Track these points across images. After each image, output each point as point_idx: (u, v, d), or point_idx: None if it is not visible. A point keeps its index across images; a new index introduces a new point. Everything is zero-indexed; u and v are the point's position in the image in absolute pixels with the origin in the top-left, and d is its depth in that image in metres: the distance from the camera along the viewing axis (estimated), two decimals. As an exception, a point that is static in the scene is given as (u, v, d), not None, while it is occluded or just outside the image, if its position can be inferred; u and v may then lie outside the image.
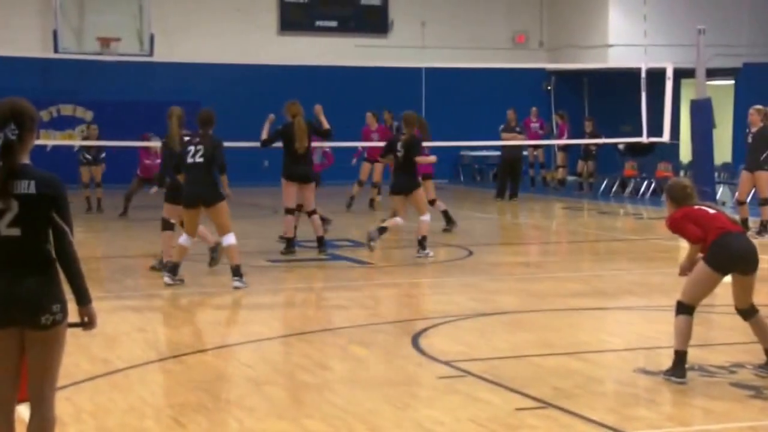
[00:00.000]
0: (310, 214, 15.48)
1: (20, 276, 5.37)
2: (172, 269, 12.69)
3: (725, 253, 8.32)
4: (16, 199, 5.35)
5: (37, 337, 5.42)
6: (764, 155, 16.98)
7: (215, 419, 7.40)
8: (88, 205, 21.74)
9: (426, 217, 15.06)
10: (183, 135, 13.35)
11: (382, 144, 19.67)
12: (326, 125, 15.52)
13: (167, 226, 13.61)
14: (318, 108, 15.61)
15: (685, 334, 8.42)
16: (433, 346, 9.62)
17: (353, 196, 22.74)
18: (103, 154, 22.11)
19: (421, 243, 15.07)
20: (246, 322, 11.14)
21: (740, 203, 17.52)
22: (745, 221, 17.12)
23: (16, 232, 5.36)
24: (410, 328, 10.43)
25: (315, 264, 15.07)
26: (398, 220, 15.10)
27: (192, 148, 12.62)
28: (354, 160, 23.32)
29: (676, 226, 8.62)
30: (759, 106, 17.40)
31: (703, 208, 8.66)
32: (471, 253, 15.82)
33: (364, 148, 22.93)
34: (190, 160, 12.58)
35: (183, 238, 12.72)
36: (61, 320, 5.45)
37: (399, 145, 15.16)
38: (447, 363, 8.95)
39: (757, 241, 9.59)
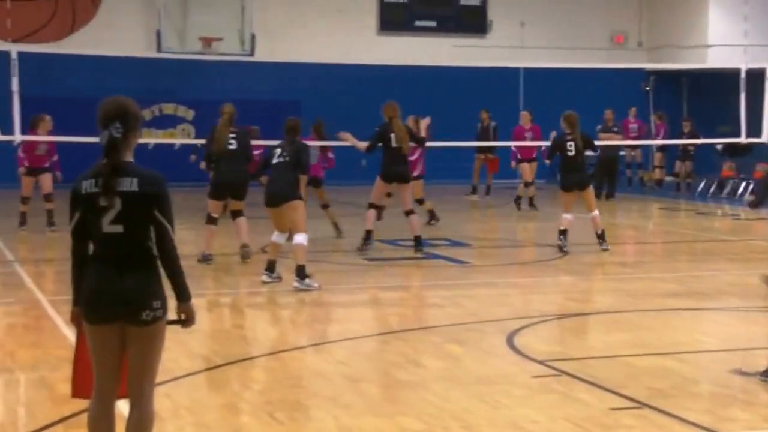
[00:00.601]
0: (408, 213, 15.54)
1: (122, 272, 5.45)
2: (269, 267, 12.86)
3: None
4: (119, 196, 5.42)
5: (137, 333, 5.50)
6: None
7: (311, 416, 7.48)
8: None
9: None
10: (231, 132, 14.53)
11: (535, 144, 21.47)
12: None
13: (210, 220, 14.47)
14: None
15: None
16: (528, 346, 9.62)
17: (520, 196, 22.86)
18: None
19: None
20: (342, 319, 11.23)
21: None
22: None
23: (119, 228, 5.44)
24: (506, 327, 10.42)
25: (412, 263, 15.14)
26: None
27: (278, 151, 13.04)
28: (513, 163, 23.48)
29: None
30: None
31: None
32: (567, 253, 15.77)
33: (518, 148, 22.97)
34: (275, 161, 12.99)
35: (275, 236, 12.91)
36: (162, 316, 5.52)
37: (570, 145, 15.72)
38: (542, 362, 8.95)
39: None
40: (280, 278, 12.81)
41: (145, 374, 5.58)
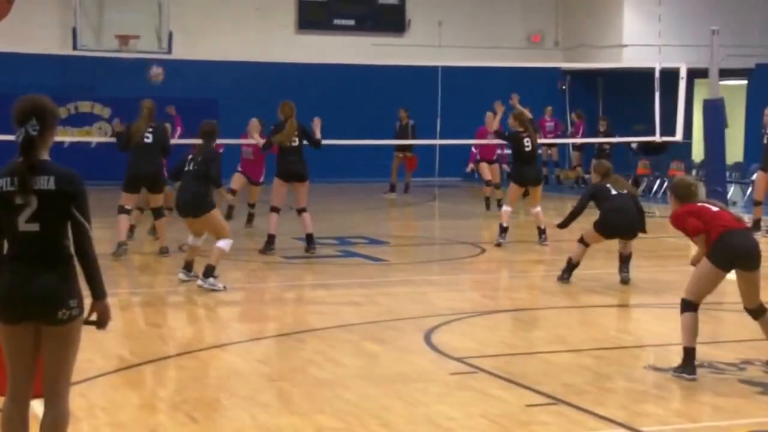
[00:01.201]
0: (300, 211, 15.35)
1: (38, 271, 5.41)
2: (187, 266, 12.80)
3: (727, 250, 8.39)
4: (35, 194, 5.38)
5: (53, 333, 5.46)
6: None
7: (228, 415, 7.45)
8: None
9: None
10: (149, 126, 14.75)
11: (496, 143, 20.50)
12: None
13: (122, 210, 14.73)
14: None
15: (692, 331, 8.50)
16: (445, 343, 9.69)
17: (488, 197, 22.24)
18: None
19: None
20: (259, 318, 11.20)
21: (757, 203, 17.54)
22: (758, 222, 17.18)
23: (34, 227, 5.40)
24: (423, 324, 10.48)
25: (329, 261, 15.14)
26: None
27: (190, 157, 12.82)
28: (471, 165, 23.46)
29: (678, 222, 8.71)
30: None
31: (706, 205, 8.73)
32: (484, 250, 15.87)
33: (478, 148, 22.63)
34: (186, 167, 12.69)
35: (191, 239, 12.83)
36: (78, 315, 5.48)
37: (527, 141, 16.36)
38: (459, 359, 9.02)
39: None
40: (197, 277, 12.74)
41: (60, 374, 5.53)
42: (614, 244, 16.90)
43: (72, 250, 5.50)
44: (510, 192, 16.63)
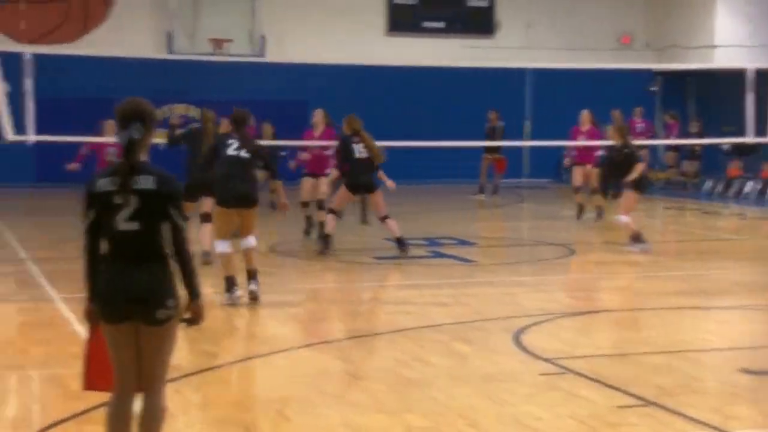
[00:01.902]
0: (384, 219, 15.48)
1: (137, 271, 5.51)
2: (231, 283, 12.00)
3: None
4: (136, 194, 5.48)
5: (151, 332, 5.56)
6: None
7: (319, 413, 7.51)
8: None
9: None
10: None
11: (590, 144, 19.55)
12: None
13: (205, 218, 14.00)
14: None
15: None
16: (534, 344, 9.68)
17: (581, 204, 20.20)
18: None
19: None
20: (349, 317, 11.29)
21: None
22: None
23: (134, 226, 5.50)
24: (512, 325, 10.48)
25: (419, 261, 15.19)
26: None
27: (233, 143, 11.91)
28: (567, 161, 21.20)
29: None
30: None
31: None
32: (573, 252, 15.82)
33: (570, 149, 20.86)
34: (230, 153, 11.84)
35: (222, 244, 11.87)
36: (175, 315, 5.57)
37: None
38: (547, 360, 9.01)
39: None
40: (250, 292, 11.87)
41: (157, 371, 5.63)
42: (705, 245, 16.77)
43: (168, 250, 5.58)
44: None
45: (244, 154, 11.72)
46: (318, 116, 17.31)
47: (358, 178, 15.28)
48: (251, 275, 11.62)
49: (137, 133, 5.55)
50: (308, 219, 17.44)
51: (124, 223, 5.50)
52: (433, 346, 9.72)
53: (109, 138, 16.44)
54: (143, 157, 5.60)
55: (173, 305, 5.54)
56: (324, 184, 17.05)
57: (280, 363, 9.22)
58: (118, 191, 5.49)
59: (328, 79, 26.89)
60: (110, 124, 16.50)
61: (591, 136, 19.82)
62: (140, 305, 5.50)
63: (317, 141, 17.14)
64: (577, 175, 20.24)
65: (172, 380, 7.18)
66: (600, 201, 19.66)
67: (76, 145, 18.11)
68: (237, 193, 11.56)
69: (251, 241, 11.74)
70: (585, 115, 20.07)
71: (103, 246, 5.60)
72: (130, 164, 5.52)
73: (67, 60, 23.33)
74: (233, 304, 11.46)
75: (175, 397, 7.56)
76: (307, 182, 17.39)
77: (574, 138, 20.22)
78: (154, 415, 5.66)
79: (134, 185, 5.49)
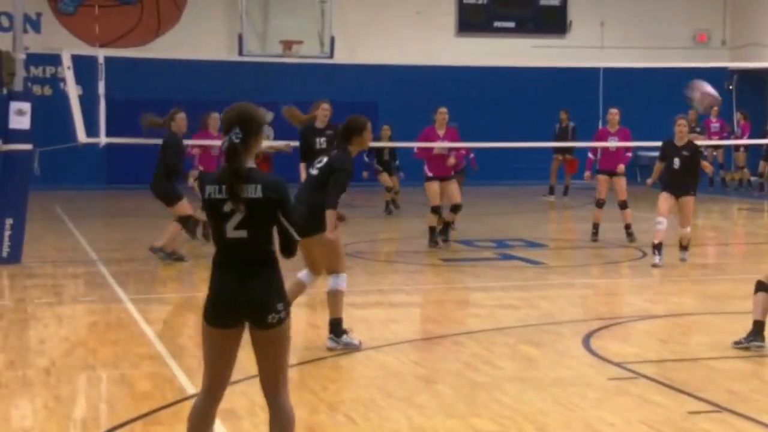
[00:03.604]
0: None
1: (246, 277, 5.52)
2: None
3: None
4: (243, 202, 5.47)
5: (264, 337, 5.56)
6: None
7: (385, 416, 7.49)
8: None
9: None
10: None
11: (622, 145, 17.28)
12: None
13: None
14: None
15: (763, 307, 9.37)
16: (605, 348, 9.58)
17: (596, 224, 17.53)
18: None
19: None
20: (417, 320, 11.25)
21: None
22: None
23: (243, 234, 5.50)
24: (582, 328, 10.39)
25: (487, 264, 15.14)
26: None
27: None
28: (587, 174, 18.31)
29: None
30: None
31: None
32: (645, 254, 15.63)
33: (595, 154, 17.83)
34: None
35: (305, 275, 10.12)
36: (286, 317, 5.57)
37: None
38: (618, 365, 8.90)
39: None
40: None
41: (277, 374, 5.64)
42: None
43: (277, 254, 5.60)
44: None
45: None
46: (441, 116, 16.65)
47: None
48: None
49: (236, 138, 5.52)
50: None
51: (232, 231, 5.52)
52: (501, 349, 9.65)
53: (213, 133, 16.33)
54: (249, 162, 5.57)
55: (283, 308, 5.56)
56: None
57: (347, 365, 9.20)
58: (225, 199, 5.50)
59: (397, 80, 26.92)
60: (214, 117, 16.31)
61: (623, 138, 17.35)
62: (251, 311, 5.52)
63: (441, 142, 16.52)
64: (602, 187, 17.34)
65: (236, 381, 7.17)
66: (627, 216, 17.23)
67: (147, 147, 18.17)
68: None
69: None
70: (614, 115, 17.53)
71: (214, 251, 5.65)
72: (233, 170, 5.49)
73: (139, 62, 23.58)
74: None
75: (240, 399, 7.59)
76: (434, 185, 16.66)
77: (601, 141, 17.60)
78: (284, 420, 5.65)
79: (242, 193, 5.47)
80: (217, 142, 15.87)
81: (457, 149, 17.22)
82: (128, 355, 9.30)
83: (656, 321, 11.16)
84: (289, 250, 5.61)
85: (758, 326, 9.46)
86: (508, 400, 7.82)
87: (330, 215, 9.22)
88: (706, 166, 15.17)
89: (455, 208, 16.47)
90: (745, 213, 23.18)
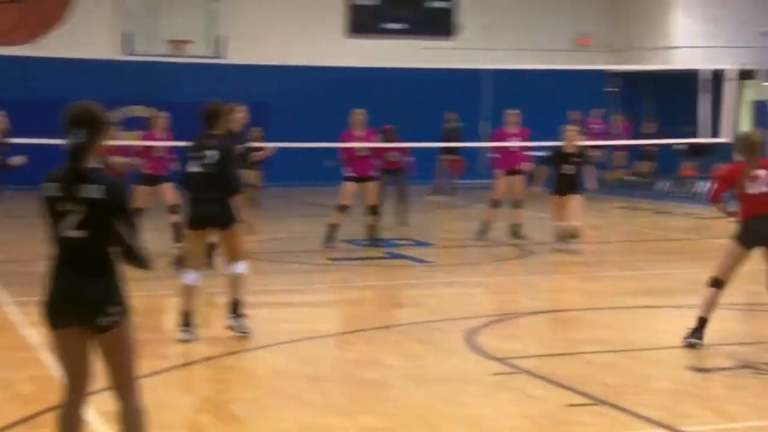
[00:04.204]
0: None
1: (82, 277, 5.46)
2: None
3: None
4: (83, 202, 5.41)
5: (100, 339, 5.51)
6: None
7: (274, 415, 7.53)
8: None
9: None
10: None
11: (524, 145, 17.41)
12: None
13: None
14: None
15: (710, 304, 9.44)
16: (489, 344, 9.75)
17: (490, 222, 17.52)
18: None
19: None
20: (305, 319, 11.27)
21: None
22: None
23: (80, 234, 5.43)
24: (467, 325, 10.54)
25: (375, 263, 15.29)
26: None
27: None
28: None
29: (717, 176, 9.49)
30: None
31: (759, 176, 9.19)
32: (530, 252, 15.93)
33: (495, 154, 17.73)
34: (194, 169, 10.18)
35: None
36: (120, 321, 5.50)
37: None
38: (501, 360, 9.08)
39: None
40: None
41: (120, 375, 5.59)
42: (657, 245, 16.94)
43: (116, 256, 5.52)
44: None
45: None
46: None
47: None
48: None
49: (81, 137, 5.47)
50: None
51: (69, 230, 5.45)
52: (388, 347, 9.78)
53: (160, 134, 15.96)
54: (93, 162, 5.51)
55: (116, 312, 5.49)
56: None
57: (235, 364, 9.24)
58: (63, 198, 5.44)
59: (288, 81, 26.91)
60: (162, 118, 15.99)
61: (524, 138, 17.42)
62: (83, 312, 5.45)
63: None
64: (500, 186, 17.33)
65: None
66: (520, 216, 17.36)
67: (34, 148, 17.87)
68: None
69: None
70: (513, 116, 17.51)
71: (51, 251, 5.57)
72: (73, 170, 5.45)
73: (24, 62, 23.25)
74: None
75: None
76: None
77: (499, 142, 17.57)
78: (131, 420, 5.63)
79: (80, 193, 5.42)
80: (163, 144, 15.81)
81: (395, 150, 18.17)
82: (9, 358, 9.17)
83: (537, 317, 11.40)
84: (126, 252, 5.48)
85: (701, 323, 9.52)
86: (396, 397, 7.95)
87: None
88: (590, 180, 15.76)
89: (373, 209, 16.67)
90: (623, 211, 23.67)
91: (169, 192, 15.16)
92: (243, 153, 13.14)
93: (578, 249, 15.55)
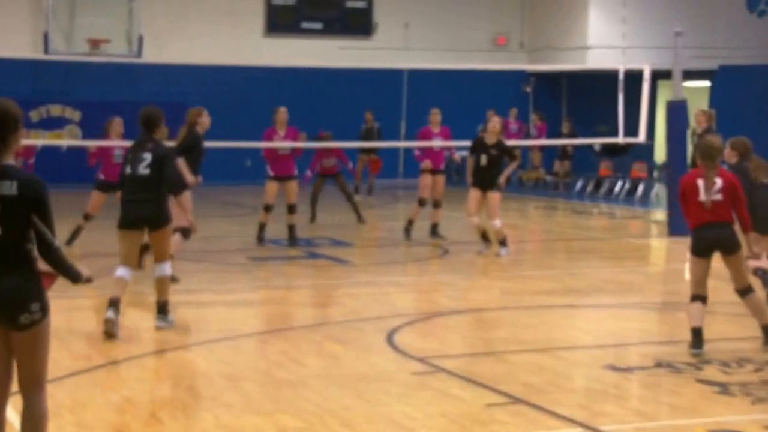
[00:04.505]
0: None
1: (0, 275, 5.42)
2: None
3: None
4: None
5: (19, 337, 5.47)
6: None
7: (193, 415, 7.53)
8: None
9: None
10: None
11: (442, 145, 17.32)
12: None
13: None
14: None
15: (693, 316, 9.30)
16: (407, 343, 9.78)
17: (411, 221, 17.53)
18: None
19: None
20: (223, 318, 11.20)
21: None
22: None
23: None
24: (386, 325, 10.56)
25: (294, 262, 15.26)
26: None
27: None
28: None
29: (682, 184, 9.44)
30: (705, 108, 18.61)
31: (702, 185, 9.22)
32: (447, 251, 15.99)
33: (422, 153, 17.49)
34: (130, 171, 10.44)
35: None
36: (41, 318, 5.48)
37: None
38: (420, 360, 9.11)
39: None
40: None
41: (33, 374, 5.55)
42: (574, 244, 17.09)
43: (35, 253, 5.49)
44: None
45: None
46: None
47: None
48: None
49: None
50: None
51: None
52: (306, 347, 9.78)
53: (115, 139, 15.55)
54: (8, 159, 5.47)
55: (38, 309, 5.46)
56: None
57: (153, 365, 9.18)
58: None
59: (206, 80, 26.75)
60: (116, 122, 15.70)
61: (446, 137, 17.42)
62: (3, 310, 5.41)
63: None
64: (426, 185, 17.22)
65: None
66: (439, 215, 17.43)
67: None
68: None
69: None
70: (436, 114, 17.46)
71: None
72: None
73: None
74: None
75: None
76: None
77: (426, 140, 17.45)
78: (34, 421, 5.58)
79: None
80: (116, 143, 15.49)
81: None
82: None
83: (456, 316, 11.45)
84: (44, 250, 5.47)
85: (696, 332, 9.31)
86: (314, 397, 7.93)
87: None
88: (502, 184, 15.69)
89: (291, 208, 16.61)
90: (540, 211, 23.87)
91: None
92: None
93: (503, 252, 15.42)
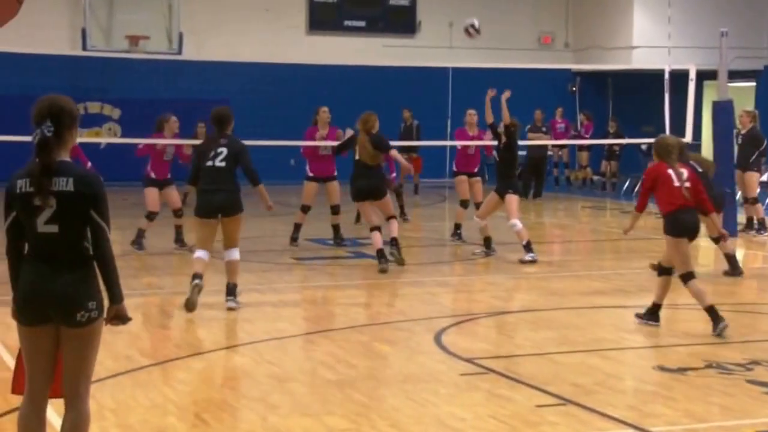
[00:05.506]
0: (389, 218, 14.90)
1: (57, 273, 5.41)
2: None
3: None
4: (54, 196, 5.37)
5: (72, 335, 5.46)
6: (754, 156, 18.01)
7: (238, 416, 7.49)
8: None
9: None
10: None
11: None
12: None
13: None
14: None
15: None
16: (456, 344, 9.73)
17: (459, 224, 17.44)
18: None
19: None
20: (270, 319, 11.21)
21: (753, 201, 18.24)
22: (750, 219, 17.83)
23: (54, 228, 5.39)
24: (433, 325, 10.52)
25: (340, 262, 15.21)
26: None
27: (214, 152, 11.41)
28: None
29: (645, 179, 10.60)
30: (748, 109, 18.73)
31: (673, 174, 10.28)
32: (495, 251, 15.89)
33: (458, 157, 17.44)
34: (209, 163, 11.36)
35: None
36: (97, 317, 5.48)
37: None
38: (469, 360, 9.05)
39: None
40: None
41: (80, 375, 5.53)
42: (622, 244, 16.96)
43: (91, 251, 5.48)
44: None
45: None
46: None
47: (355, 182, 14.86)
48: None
49: (48, 131, 5.41)
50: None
51: (43, 225, 5.40)
52: (353, 347, 9.72)
53: (168, 137, 15.61)
54: (63, 156, 5.47)
55: (94, 307, 5.45)
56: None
57: (198, 365, 9.14)
58: (35, 193, 5.38)
59: (247, 77, 26.77)
60: (173, 121, 15.68)
61: (482, 140, 17.17)
62: (59, 308, 5.40)
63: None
64: (463, 187, 17.09)
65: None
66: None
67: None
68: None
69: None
70: (473, 116, 17.44)
71: (25, 247, 5.51)
72: (43, 164, 5.39)
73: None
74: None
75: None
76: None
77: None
78: (78, 422, 5.55)
79: (51, 186, 5.37)
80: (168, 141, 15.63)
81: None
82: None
83: (504, 317, 11.37)
84: (99, 248, 5.46)
85: (655, 307, 10.53)
86: (361, 398, 7.88)
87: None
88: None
89: (334, 209, 16.47)
90: (588, 211, 23.72)
91: (174, 195, 15.56)
92: None
93: (528, 258, 15.08)
